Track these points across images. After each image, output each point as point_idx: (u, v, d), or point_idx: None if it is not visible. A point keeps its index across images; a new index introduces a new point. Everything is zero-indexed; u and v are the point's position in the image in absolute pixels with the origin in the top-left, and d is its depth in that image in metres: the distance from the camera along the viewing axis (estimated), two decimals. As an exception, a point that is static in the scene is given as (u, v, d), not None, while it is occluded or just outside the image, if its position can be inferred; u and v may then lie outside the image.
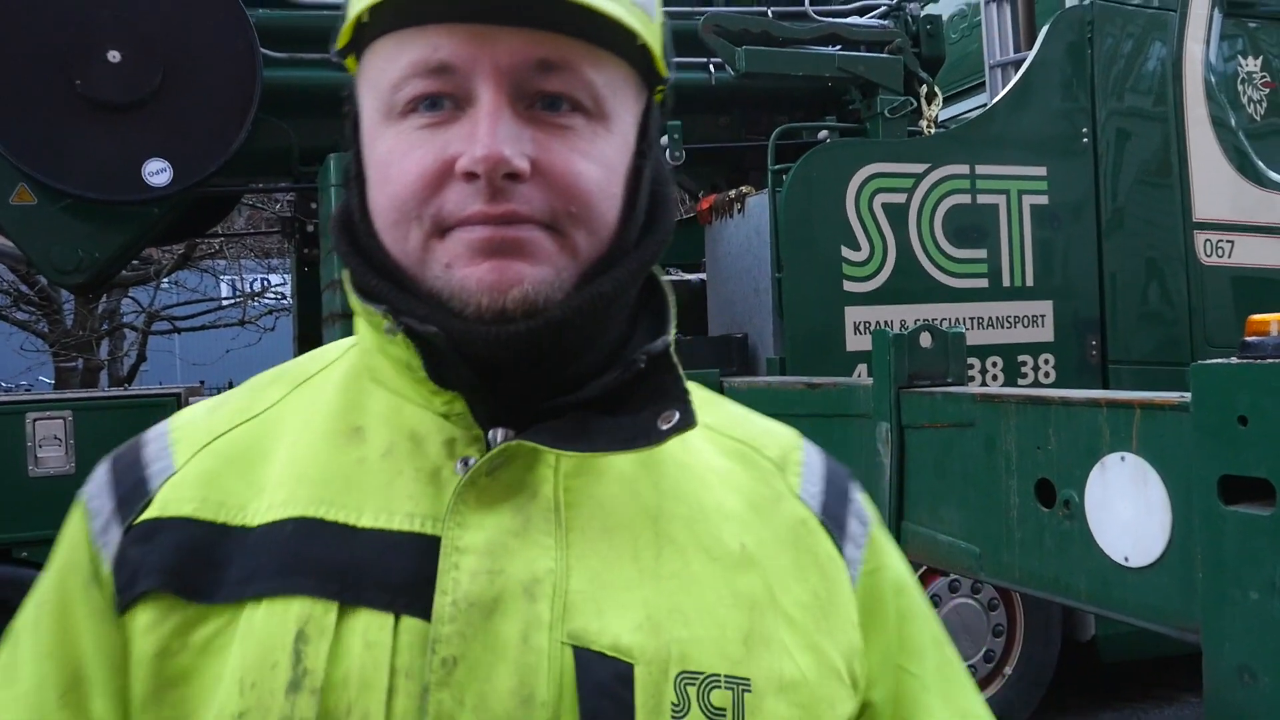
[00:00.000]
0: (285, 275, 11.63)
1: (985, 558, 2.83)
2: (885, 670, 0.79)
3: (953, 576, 4.36)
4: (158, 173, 3.95)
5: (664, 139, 4.61)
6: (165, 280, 10.62)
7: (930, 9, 5.34)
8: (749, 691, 0.68)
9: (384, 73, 0.70)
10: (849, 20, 4.71)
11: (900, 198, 4.27)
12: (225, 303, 12.45)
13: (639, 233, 0.75)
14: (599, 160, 0.71)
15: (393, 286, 0.71)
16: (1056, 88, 4.51)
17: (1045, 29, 4.53)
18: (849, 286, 4.25)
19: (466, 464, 0.69)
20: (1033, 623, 4.48)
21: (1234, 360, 2.14)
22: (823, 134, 4.68)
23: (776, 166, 4.32)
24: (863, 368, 4.27)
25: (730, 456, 0.80)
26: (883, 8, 4.98)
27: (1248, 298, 4.81)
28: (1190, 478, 2.19)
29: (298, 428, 0.74)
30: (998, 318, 4.41)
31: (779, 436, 0.85)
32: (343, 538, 0.68)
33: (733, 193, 4.57)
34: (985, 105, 5.04)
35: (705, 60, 4.79)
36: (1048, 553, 2.62)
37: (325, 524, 0.68)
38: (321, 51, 4.36)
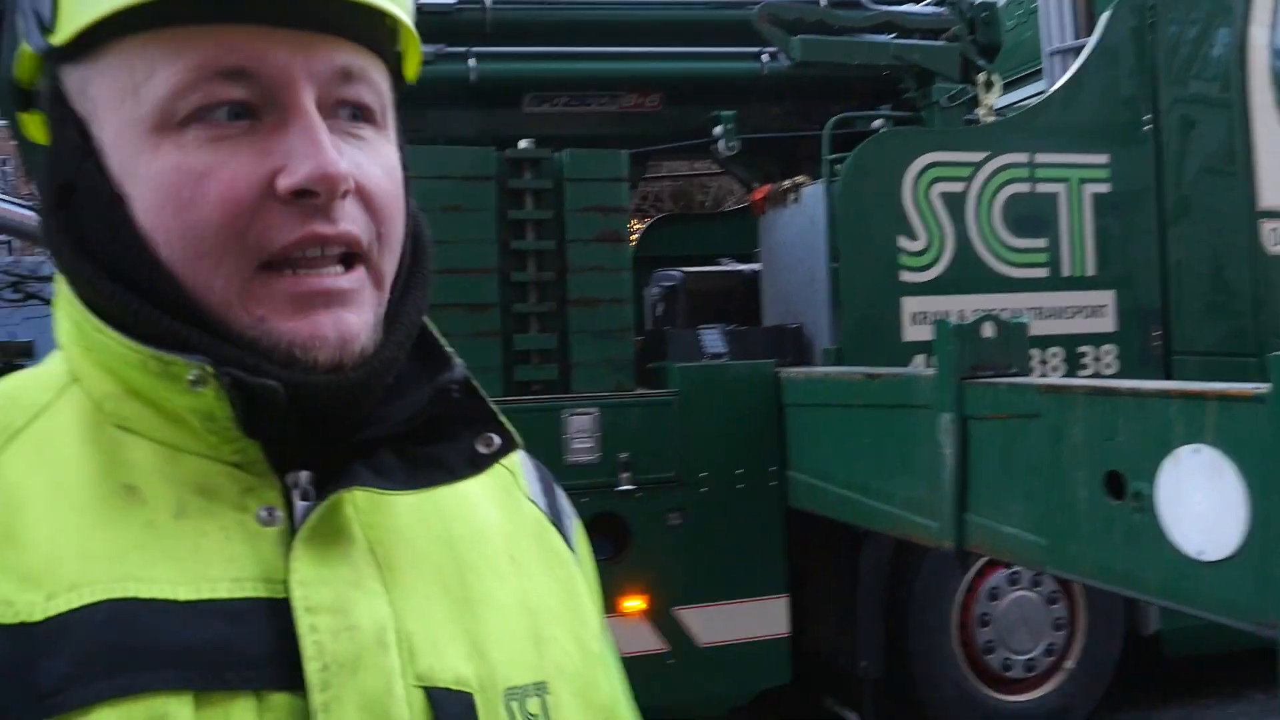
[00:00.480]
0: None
1: (1051, 550, 2.80)
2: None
3: (1013, 569, 4.31)
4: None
5: (718, 128, 4.62)
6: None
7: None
8: (548, 693, 0.70)
9: (143, 79, 0.62)
10: (904, 8, 4.66)
11: (958, 187, 4.22)
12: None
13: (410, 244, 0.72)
14: (391, 173, 0.68)
15: (207, 334, 0.62)
16: (1118, 74, 4.44)
17: (1106, 15, 4.45)
18: (905, 276, 4.21)
19: (272, 514, 0.63)
20: (1095, 617, 4.43)
21: (1314, 350, 2.09)
22: (877, 123, 4.63)
23: (832, 156, 4.29)
24: (919, 358, 4.22)
25: None
26: (937, -5, 4.93)
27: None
28: (1270, 470, 2.15)
29: (44, 493, 0.61)
30: (1058, 308, 4.36)
31: None
32: (169, 616, 0.58)
33: (787, 183, 4.54)
34: (1042, 93, 4.98)
35: (757, 50, 4.77)
36: (1117, 546, 2.59)
37: (143, 603, 0.58)
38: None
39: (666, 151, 5.29)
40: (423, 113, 4.51)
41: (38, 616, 0.56)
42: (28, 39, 0.65)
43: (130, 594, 0.58)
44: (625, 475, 3.87)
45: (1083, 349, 4.43)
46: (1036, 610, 4.39)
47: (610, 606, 3.95)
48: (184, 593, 0.59)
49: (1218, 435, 2.30)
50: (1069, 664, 4.44)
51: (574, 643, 0.75)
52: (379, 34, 0.68)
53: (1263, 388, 2.16)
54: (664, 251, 5.50)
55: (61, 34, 0.63)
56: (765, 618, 4.13)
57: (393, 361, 0.68)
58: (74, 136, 0.65)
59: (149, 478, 0.63)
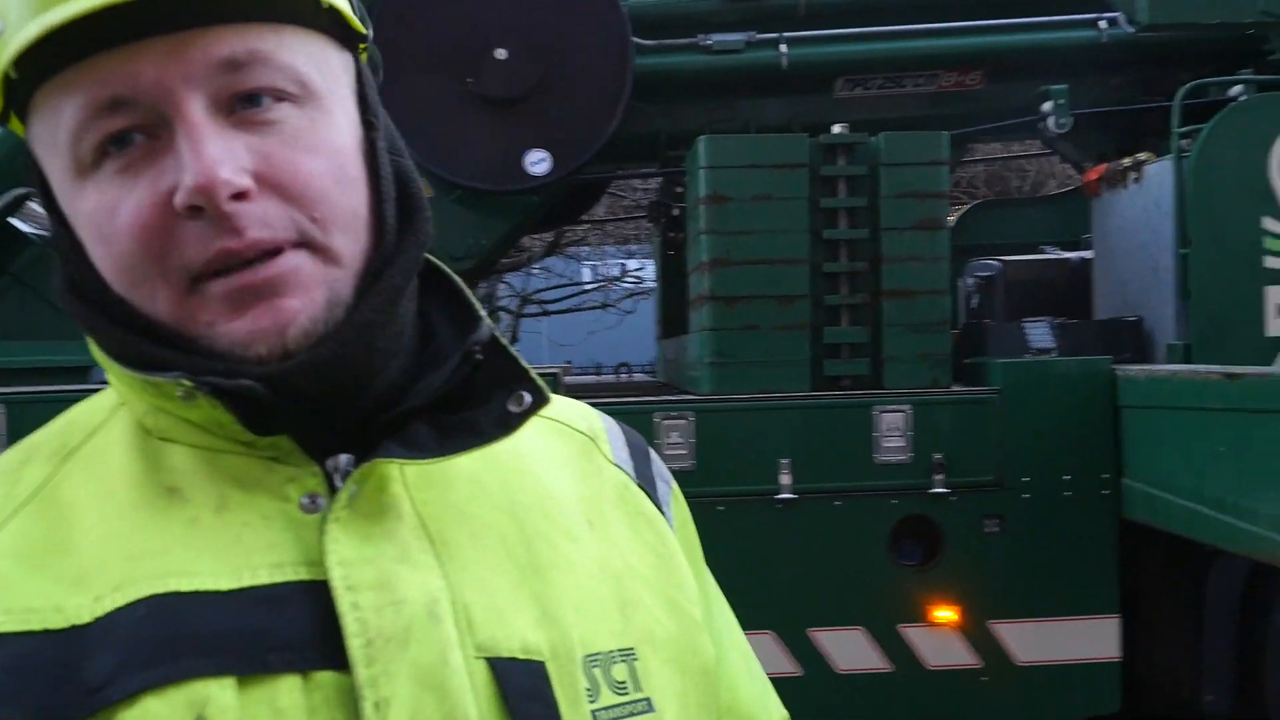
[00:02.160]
0: (643, 260, 12.01)
1: None
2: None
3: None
4: (538, 162, 4.14)
5: (1047, 104, 4.27)
6: (535, 265, 11.30)
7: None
8: (636, 660, 0.70)
9: (57, 127, 0.62)
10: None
11: (1339, 160, 3.67)
12: (588, 287, 13.07)
13: (395, 208, 0.69)
14: (324, 148, 0.65)
15: (177, 351, 0.64)
16: None
17: None
18: (1270, 263, 3.72)
19: (315, 500, 0.64)
20: None
21: None
22: (1236, 89, 4.12)
23: (1183, 129, 3.85)
24: (1286, 356, 3.71)
25: (549, 435, 0.78)
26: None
27: None
28: None
29: (94, 503, 0.64)
30: None
31: (580, 409, 0.84)
32: (210, 605, 0.60)
33: (1127, 161, 4.13)
34: None
35: (1094, 16, 4.37)
36: None
37: (184, 596, 0.60)
38: (688, 36, 4.41)
39: (982, 134, 4.97)
40: (733, 102, 4.48)
41: (86, 619, 0.60)
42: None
43: (171, 588, 0.61)
44: (939, 477, 3.66)
45: None
46: None
47: (920, 615, 3.78)
48: (225, 583, 0.61)
49: None
50: None
51: (666, 608, 0.74)
52: (272, 5, 0.64)
53: None
54: (980, 240, 5.19)
55: None
56: (1093, 639, 3.79)
57: (370, 325, 0.66)
58: (40, 196, 0.68)
59: (190, 478, 0.65)
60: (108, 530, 0.63)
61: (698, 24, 4.42)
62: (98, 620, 0.60)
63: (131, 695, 0.58)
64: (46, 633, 0.60)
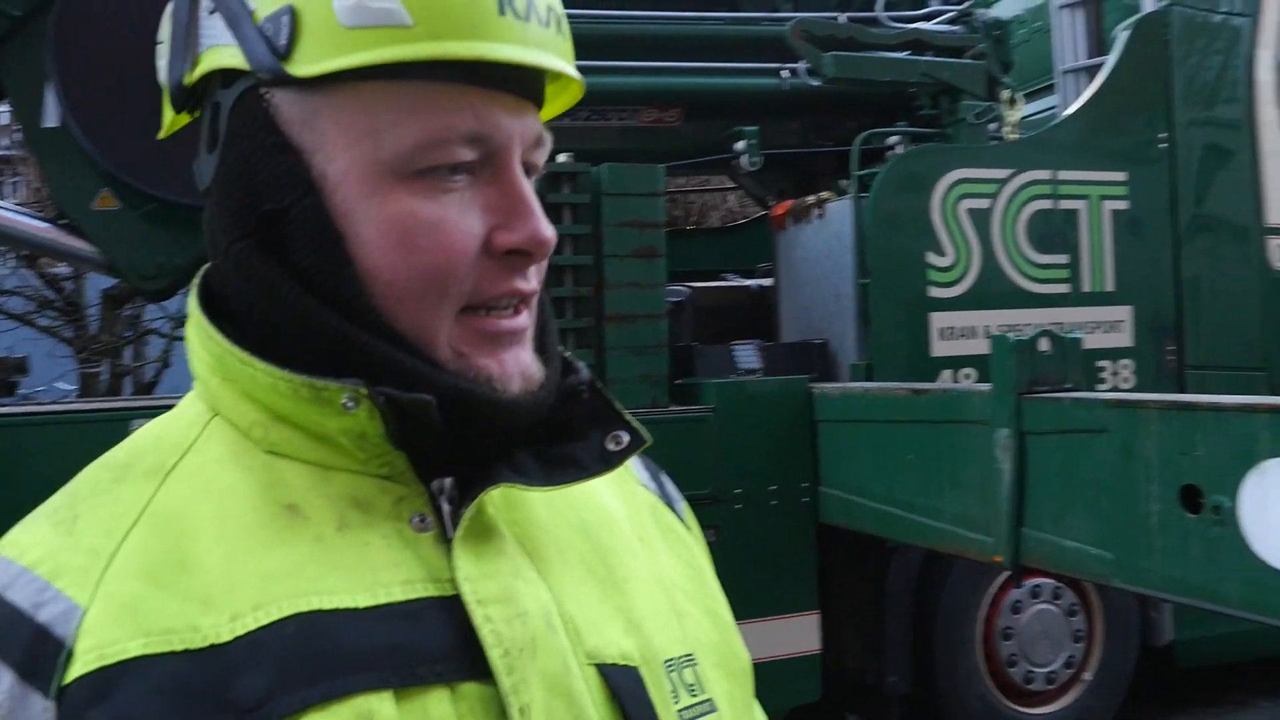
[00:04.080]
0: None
1: (1119, 564, 2.82)
2: None
3: (1034, 583, 4.35)
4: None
5: (740, 144, 4.62)
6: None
7: (993, 14, 5.35)
8: (696, 664, 0.75)
9: (396, 125, 0.65)
10: (926, 26, 4.71)
11: (984, 203, 4.27)
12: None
13: None
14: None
15: (416, 360, 0.67)
16: (1135, 94, 4.52)
17: (1124, 35, 4.53)
18: (934, 292, 4.24)
19: (424, 520, 0.68)
20: (1112, 629, 4.48)
21: None
22: (893, 139, 4.67)
23: (861, 172, 4.31)
24: (947, 374, 4.26)
25: None
26: (952, 13, 4.98)
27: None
28: (1366, 483, 2.19)
29: (212, 521, 0.64)
30: (1078, 323, 4.40)
31: None
32: (356, 623, 0.62)
33: (812, 198, 4.55)
34: (1052, 109, 5.07)
35: (777, 66, 4.79)
36: (1194, 559, 2.61)
37: (328, 614, 0.62)
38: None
39: (681, 168, 5.28)
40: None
41: (225, 638, 0.60)
42: (250, 56, 0.66)
43: (315, 606, 0.62)
44: (661, 492, 3.83)
45: (1101, 363, 4.48)
46: (1057, 623, 4.43)
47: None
48: (362, 600, 0.63)
49: (1308, 449, 2.33)
50: (1087, 676, 4.48)
51: (706, 615, 0.80)
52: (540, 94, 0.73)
53: (1359, 403, 2.20)
54: (671, 267, 5.48)
55: (310, 66, 0.64)
56: (797, 635, 4.12)
57: (555, 384, 0.73)
58: (294, 167, 0.67)
59: (307, 495, 0.66)
60: (233, 549, 0.63)
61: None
62: (238, 639, 0.60)
63: (295, 713, 0.58)
64: (188, 653, 0.59)
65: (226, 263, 0.69)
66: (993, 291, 4.30)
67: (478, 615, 0.64)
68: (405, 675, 0.61)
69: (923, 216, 4.18)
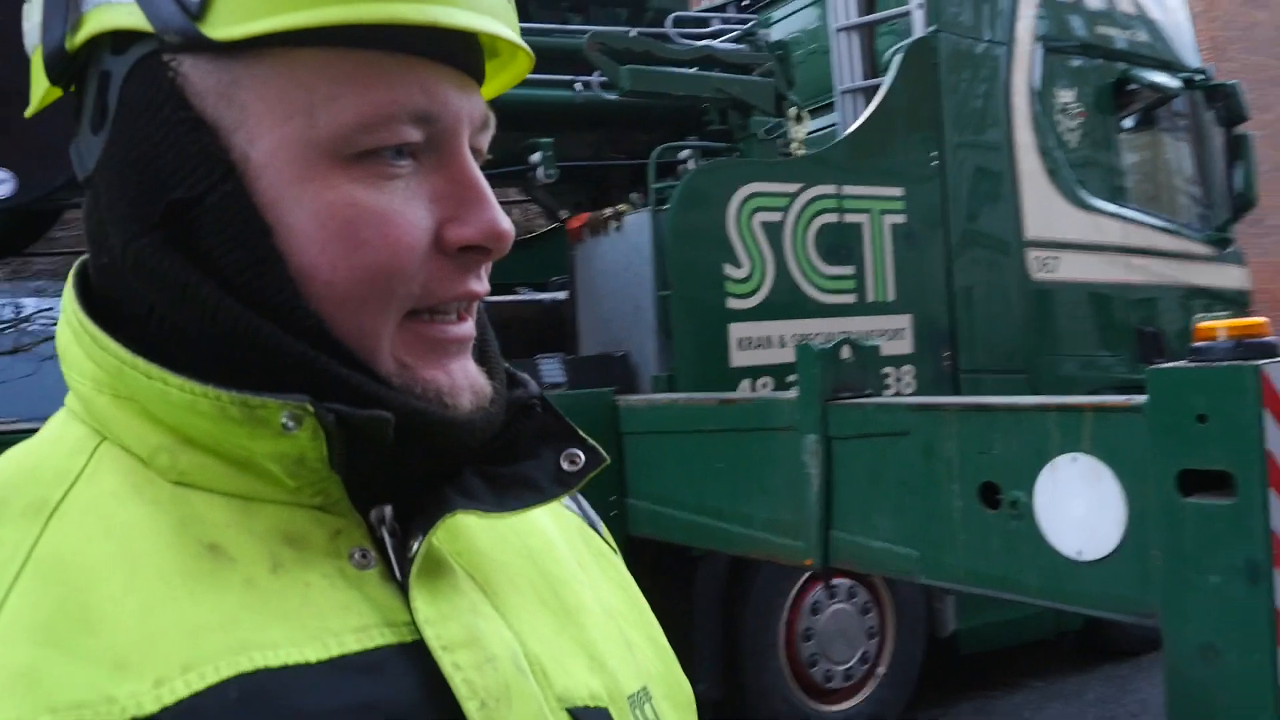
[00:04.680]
0: (54, 300, 10.59)
1: (924, 561, 2.94)
2: None
3: (831, 584, 4.50)
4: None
5: (535, 155, 4.57)
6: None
7: (771, 35, 5.55)
8: (651, 698, 0.70)
9: (335, 100, 0.56)
10: (716, 43, 4.82)
11: (777, 216, 4.39)
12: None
13: None
14: None
15: (361, 374, 0.59)
16: (908, 115, 4.78)
17: (896, 59, 4.79)
18: (731, 303, 4.33)
19: (366, 555, 0.60)
20: (902, 623, 4.69)
21: (1188, 364, 2.32)
22: (685, 154, 4.75)
23: (658, 185, 4.35)
24: (746, 383, 4.35)
25: None
26: (737, 32, 5.12)
27: (1073, 309, 5.25)
28: (1146, 474, 2.36)
29: (116, 567, 0.53)
30: (864, 331, 4.60)
31: None
32: (309, 681, 0.54)
33: (609, 211, 4.56)
34: (832, 126, 5.29)
35: (570, 79, 4.77)
36: (994, 552, 2.75)
37: (276, 672, 0.53)
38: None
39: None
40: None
41: (150, 709, 0.49)
42: (152, 15, 0.55)
43: (259, 665, 0.52)
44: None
45: (885, 370, 4.69)
46: (852, 621, 4.60)
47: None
48: (312, 653, 0.54)
49: (1095, 444, 2.51)
50: (881, 670, 4.68)
51: (650, 644, 0.75)
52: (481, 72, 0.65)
53: (1139, 399, 2.38)
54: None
55: (231, 27, 0.54)
56: (607, 649, 4.09)
57: (504, 399, 0.66)
58: (209, 147, 0.57)
59: (228, 533, 0.56)
60: (147, 599, 0.52)
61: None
62: (166, 709, 0.49)
63: None
64: None
65: (121, 262, 0.58)
66: (787, 302, 4.43)
67: (446, 663, 0.57)
68: None
69: (719, 229, 4.26)
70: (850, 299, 4.61)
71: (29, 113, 0.64)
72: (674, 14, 5.01)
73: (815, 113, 5.60)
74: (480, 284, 0.63)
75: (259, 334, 0.57)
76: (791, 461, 3.29)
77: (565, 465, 0.67)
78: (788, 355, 4.38)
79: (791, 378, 4.37)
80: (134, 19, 0.56)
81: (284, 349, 0.57)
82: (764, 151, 4.59)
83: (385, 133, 0.57)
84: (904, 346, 4.76)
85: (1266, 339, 2.28)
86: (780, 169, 4.51)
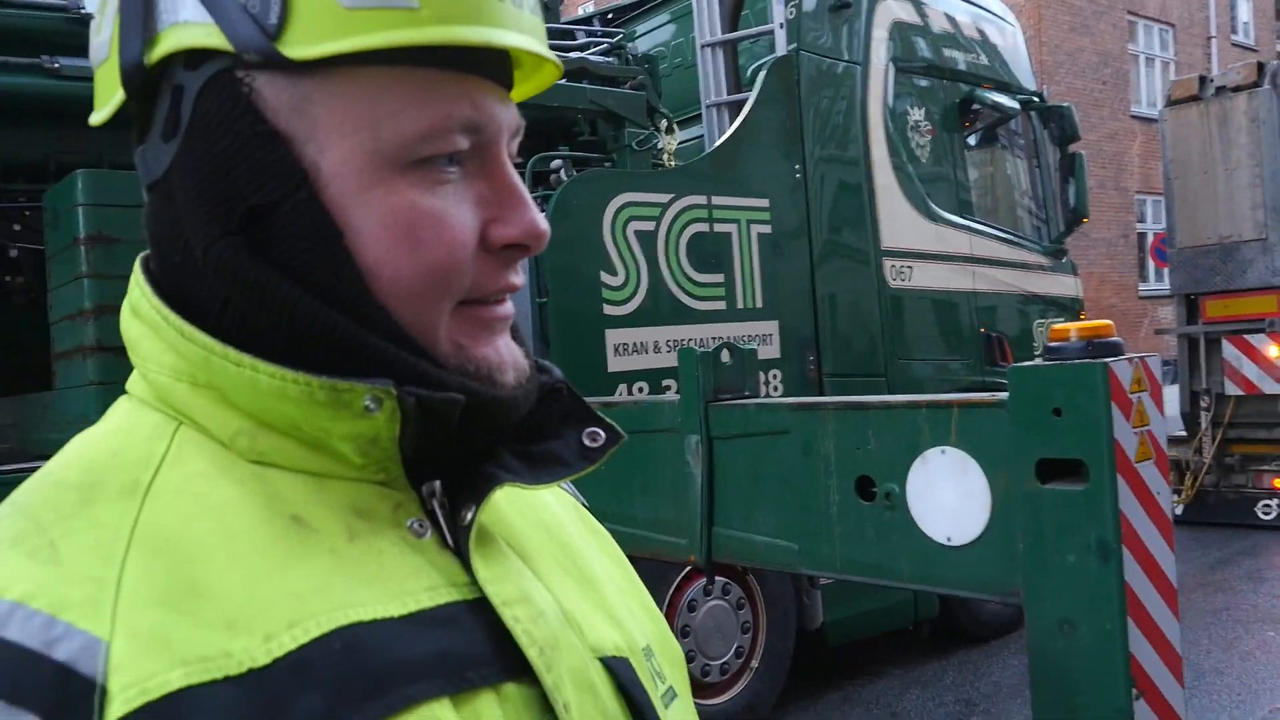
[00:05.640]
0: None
1: (804, 553, 3.09)
2: None
3: (707, 582, 4.64)
4: None
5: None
6: None
7: (637, 49, 5.68)
8: (655, 655, 0.77)
9: (399, 113, 0.62)
10: (587, 55, 4.91)
11: (650, 225, 4.51)
12: None
13: None
14: None
15: (425, 360, 0.65)
16: (772, 129, 4.98)
17: (760, 75, 4.98)
18: (608, 310, 4.42)
19: (423, 525, 0.66)
20: (774, 617, 4.87)
21: (1045, 363, 2.53)
22: (556, 163, 4.83)
23: (532, 194, 4.40)
24: (623, 388, 4.44)
25: None
26: (605, 45, 5.23)
27: (926, 315, 5.55)
28: (1008, 464, 2.56)
29: (218, 540, 0.59)
30: (735, 337, 4.77)
31: None
32: (397, 633, 0.60)
33: (486, 220, 4.58)
34: (698, 138, 5.45)
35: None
36: (869, 542, 2.92)
37: (370, 626, 0.59)
38: (30, 55, 3.89)
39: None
40: (83, 132, 4.04)
41: (263, 661, 0.55)
42: (232, 36, 0.60)
43: (353, 619, 0.59)
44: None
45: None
46: (727, 617, 4.75)
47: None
48: (395, 609, 0.60)
49: (961, 437, 2.70)
50: (755, 663, 4.84)
51: (645, 610, 0.81)
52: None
53: (1002, 396, 2.57)
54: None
55: (307, 48, 0.59)
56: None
57: (536, 380, 0.73)
58: (284, 158, 0.62)
59: (308, 507, 0.63)
60: (249, 569, 0.58)
61: (43, 44, 3.93)
62: (277, 661, 0.55)
63: None
64: (230, 680, 0.54)
65: (202, 263, 0.63)
66: (661, 309, 4.55)
67: (507, 616, 0.64)
68: (458, 681, 0.60)
69: (595, 238, 4.35)
70: (721, 306, 4.77)
71: (98, 120, 0.68)
72: (545, 26, 5.09)
73: (683, 125, 5.78)
74: (518, 276, 0.69)
75: (335, 327, 0.62)
76: (674, 462, 3.40)
77: (588, 442, 0.73)
78: (662, 360, 4.50)
79: (667, 382, 4.51)
80: (212, 39, 0.60)
81: (357, 340, 0.63)
82: (636, 162, 4.70)
83: (441, 142, 0.63)
84: (772, 352, 4.94)
85: (1113, 339, 2.50)
86: (653, 179, 4.63)
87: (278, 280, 0.62)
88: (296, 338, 0.63)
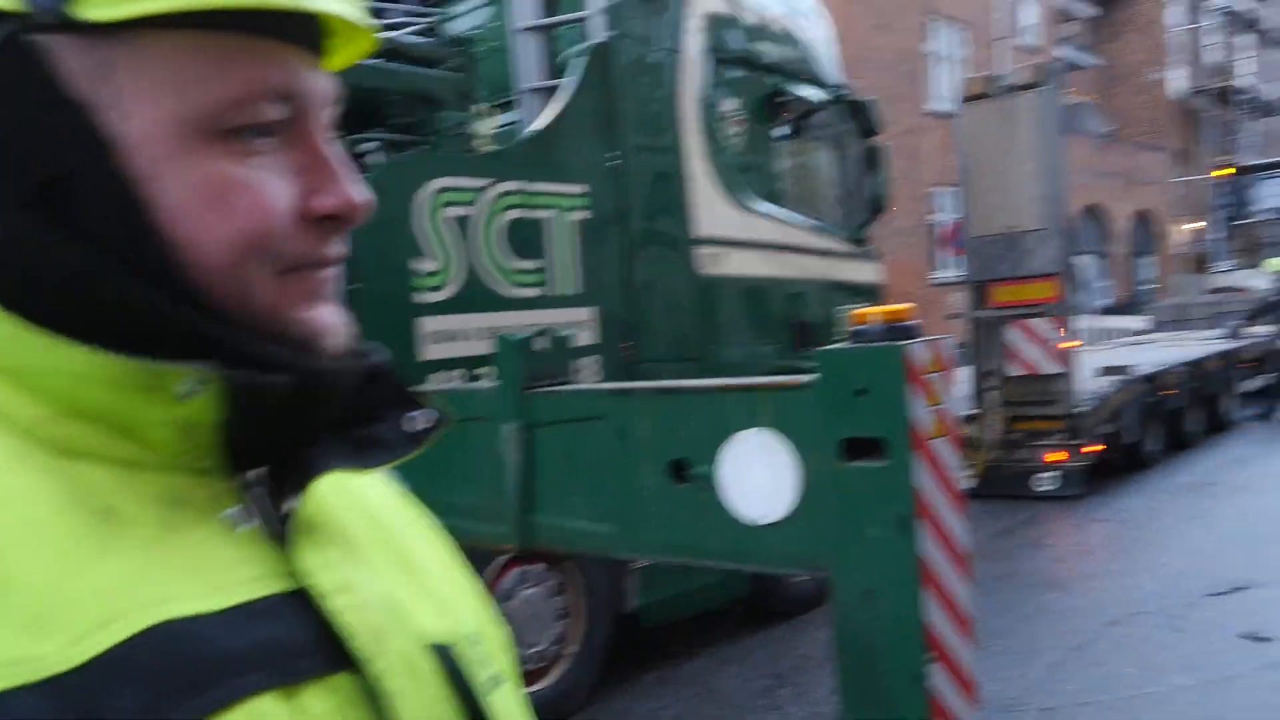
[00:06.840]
0: None
1: (620, 536, 3.13)
2: None
3: (523, 569, 4.63)
4: None
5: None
6: None
7: (452, 30, 5.58)
8: (481, 641, 0.75)
9: (204, 80, 0.60)
10: (399, 34, 4.79)
11: (465, 211, 4.45)
12: None
13: None
14: None
15: (243, 334, 0.63)
16: (589, 116, 4.99)
17: (578, 61, 4.98)
18: (422, 297, 4.34)
19: (242, 514, 0.64)
20: (591, 603, 4.90)
21: (850, 346, 2.64)
22: (369, 145, 4.71)
23: (344, 177, 4.27)
24: (439, 376, 4.37)
25: None
26: (420, 25, 5.12)
27: (737, 301, 5.69)
28: (816, 443, 2.66)
29: (20, 535, 0.55)
30: (552, 323, 4.76)
31: None
32: (219, 627, 0.57)
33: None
34: (514, 124, 5.41)
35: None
36: (683, 523, 2.98)
37: (186, 620, 0.56)
38: None
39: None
40: None
41: (76, 661, 0.52)
42: None
43: (171, 615, 0.56)
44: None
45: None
46: (543, 604, 4.76)
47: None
48: (215, 603, 0.58)
49: (772, 419, 2.78)
50: (572, 649, 4.87)
51: (468, 594, 0.80)
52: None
53: (810, 378, 2.67)
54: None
55: (109, 9, 0.57)
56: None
57: (359, 359, 0.71)
58: (83, 125, 0.59)
59: (119, 498, 0.59)
60: (55, 564, 0.54)
61: None
62: (89, 663, 0.52)
63: None
64: (37, 685, 0.51)
65: None
66: (476, 296, 4.49)
67: (329, 606, 0.63)
68: (286, 673, 0.59)
69: (408, 223, 4.25)
70: (537, 292, 4.75)
71: None
72: None
73: (498, 110, 5.71)
74: (341, 248, 0.68)
75: (143, 302, 0.59)
76: (491, 449, 3.37)
77: (413, 426, 0.72)
78: (479, 348, 4.45)
79: (482, 370, 4.46)
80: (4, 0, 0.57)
81: (169, 316, 0.60)
82: (451, 146, 4.62)
83: (252, 110, 0.61)
84: (589, 338, 4.96)
85: (910, 323, 2.64)
86: (469, 164, 4.56)
87: (84, 255, 0.59)
88: (103, 317, 0.59)
